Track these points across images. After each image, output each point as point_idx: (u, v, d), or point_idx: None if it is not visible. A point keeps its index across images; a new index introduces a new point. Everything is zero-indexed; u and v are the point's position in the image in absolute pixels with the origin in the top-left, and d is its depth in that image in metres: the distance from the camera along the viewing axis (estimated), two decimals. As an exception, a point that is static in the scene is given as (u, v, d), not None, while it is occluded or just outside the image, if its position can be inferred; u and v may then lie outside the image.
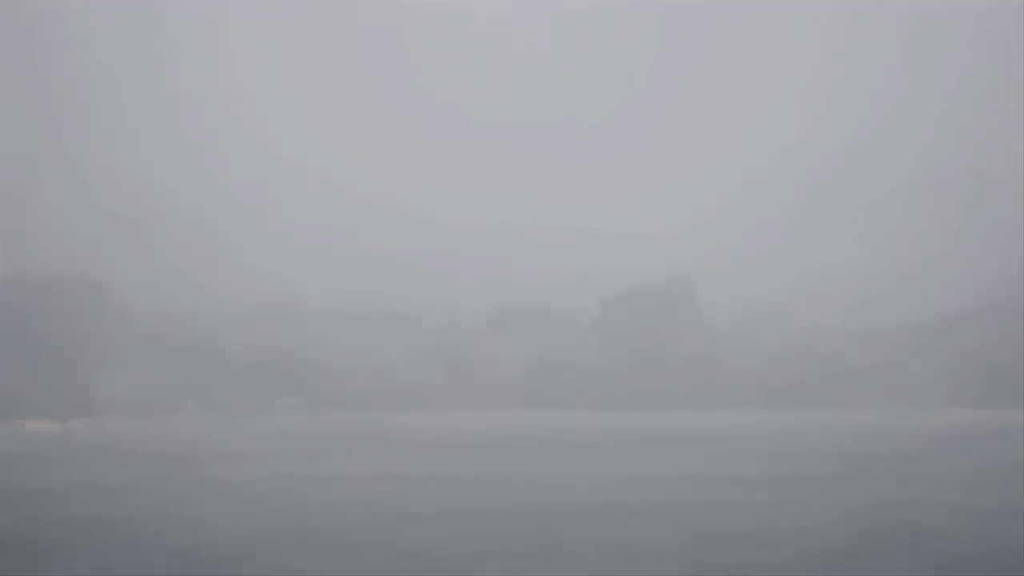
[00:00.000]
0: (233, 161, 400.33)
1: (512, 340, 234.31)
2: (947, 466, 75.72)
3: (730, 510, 50.42)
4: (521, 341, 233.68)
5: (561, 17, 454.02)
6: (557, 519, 47.64)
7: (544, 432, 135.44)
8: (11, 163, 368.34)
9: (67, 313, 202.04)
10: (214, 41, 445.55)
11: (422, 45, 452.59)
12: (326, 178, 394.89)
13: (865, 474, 70.59)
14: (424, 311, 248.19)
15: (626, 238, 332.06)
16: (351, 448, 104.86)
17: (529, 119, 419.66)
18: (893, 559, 37.37)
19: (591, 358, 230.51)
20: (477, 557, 37.83)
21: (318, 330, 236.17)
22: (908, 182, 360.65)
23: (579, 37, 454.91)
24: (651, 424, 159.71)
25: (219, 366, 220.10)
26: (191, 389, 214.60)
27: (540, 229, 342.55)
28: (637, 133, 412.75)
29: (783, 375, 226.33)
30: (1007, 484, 62.16)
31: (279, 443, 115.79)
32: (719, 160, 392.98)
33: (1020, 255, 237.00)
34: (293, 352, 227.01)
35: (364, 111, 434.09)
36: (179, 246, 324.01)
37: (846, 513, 49.39)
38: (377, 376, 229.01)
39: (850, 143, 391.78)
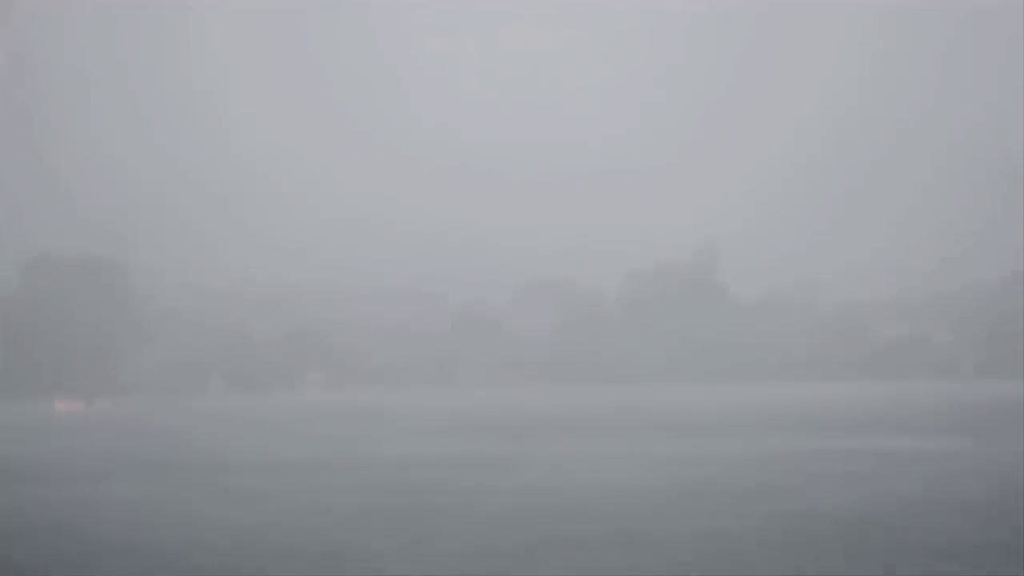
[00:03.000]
0: (255, 142, 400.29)
1: (538, 313, 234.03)
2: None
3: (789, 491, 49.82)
4: (547, 314, 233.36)
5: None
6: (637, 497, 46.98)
7: (576, 408, 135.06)
8: (33, 146, 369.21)
9: (91, 293, 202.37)
10: (235, 26, 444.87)
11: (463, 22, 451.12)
12: (350, 154, 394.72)
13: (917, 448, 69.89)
14: (449, 286, 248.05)
15: (651, 210, 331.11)
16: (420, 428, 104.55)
17: (561, 85, 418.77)
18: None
19: (617, 331, 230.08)
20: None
21: (342, 306, 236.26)
22: (941, 164, 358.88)
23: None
24: (688, 399, 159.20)
25: (244, 344, 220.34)
26: (216, 366, 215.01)
27: (566, 199, 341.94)
28: (669, 111, 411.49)
29: (810, 347, 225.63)
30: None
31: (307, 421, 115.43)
32: (751, 139, 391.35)
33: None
34: (318, 329, 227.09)
35: (393, 78, 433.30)
36: (203, 225, 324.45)
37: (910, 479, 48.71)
38: (403, 352, 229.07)
39: (884, 127, 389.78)
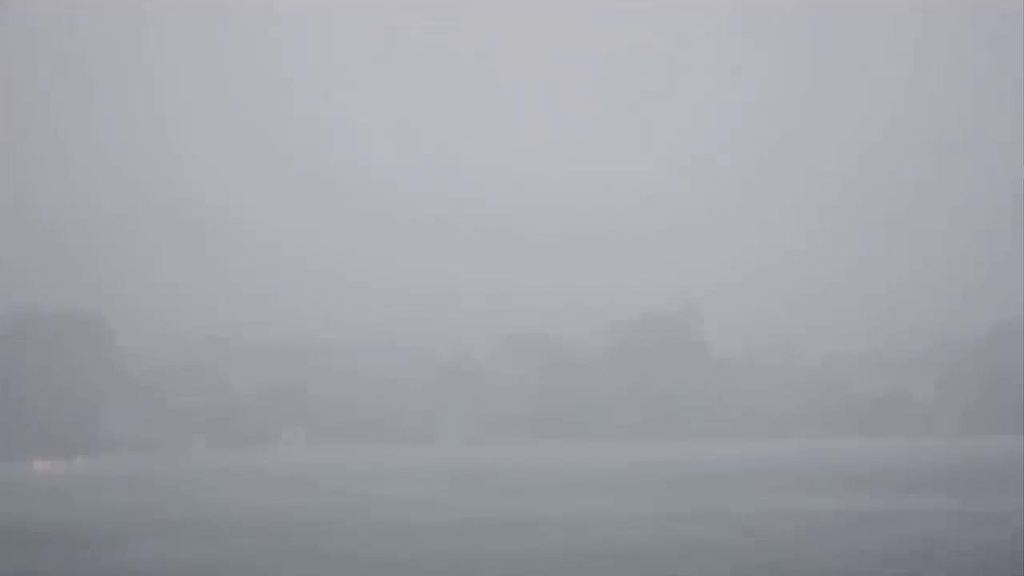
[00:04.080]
0: (240, 197, 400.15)
1: (521, 367, 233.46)
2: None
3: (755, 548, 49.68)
4: (530, 368, 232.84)
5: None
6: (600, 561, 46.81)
7: (562, 464, 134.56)
8: (13, 198, 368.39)
9: (71, 348, 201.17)
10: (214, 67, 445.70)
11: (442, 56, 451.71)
12: (335, 209, 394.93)
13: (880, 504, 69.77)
14: (433, 340, 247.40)
15: (635, 264, 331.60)
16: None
17: (542, 140, 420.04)
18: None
19: (599, 385, 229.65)
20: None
21: (322, 360, 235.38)
22: (918, 209, 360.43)
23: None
24: (665, 454, 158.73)
25: (227, 399, 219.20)
26: (199, 423, 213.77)
27: (550, 252, 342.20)
28: (650, 159, 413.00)
29: (791, 401, 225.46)
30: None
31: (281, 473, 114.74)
32: (729, 186, 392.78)
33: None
34: (302, 383, 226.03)
35: (373, 135, 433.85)
36: (184, 278, 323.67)
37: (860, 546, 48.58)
38: (384, 406, 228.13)
39: (862, 169, 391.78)
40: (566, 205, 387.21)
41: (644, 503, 72.69)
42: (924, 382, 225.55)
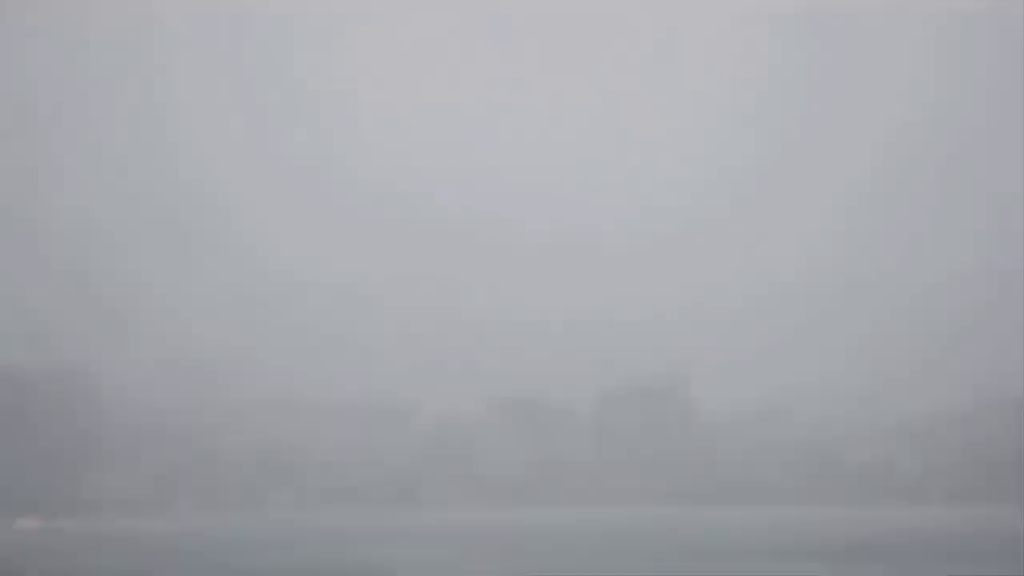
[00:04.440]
0: (220, 258, 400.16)
1: (508, 434, 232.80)
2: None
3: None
4: (517, 435, 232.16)
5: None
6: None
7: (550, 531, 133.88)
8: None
9: (56, 407, 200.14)
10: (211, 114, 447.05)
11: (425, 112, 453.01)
12: (316, 271, 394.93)
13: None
14: (419, 405, 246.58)
15: (623, 332, 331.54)
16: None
17: (527, 213, 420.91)
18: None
19: (588, 453, 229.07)
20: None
21: (311, 424, 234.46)
22: (907, 283, 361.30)
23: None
24: (653, 521, 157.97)
25: (212, 461, 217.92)
26: (183, 485, 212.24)
27: (536, 322, 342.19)
28: (631, 225, 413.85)
29: (780, 471, 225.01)
30: None
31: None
32: (716, 255, 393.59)
33: (1018, 357, 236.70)
34: (286, 446, 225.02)
35: (350, 209, 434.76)
36: (170, 339, 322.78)
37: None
38: (372, 470, 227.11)
39: (850, 242, 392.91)
40: (557, 264, 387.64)
41: (627, 570, 72.25)
42: (911, 453, 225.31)
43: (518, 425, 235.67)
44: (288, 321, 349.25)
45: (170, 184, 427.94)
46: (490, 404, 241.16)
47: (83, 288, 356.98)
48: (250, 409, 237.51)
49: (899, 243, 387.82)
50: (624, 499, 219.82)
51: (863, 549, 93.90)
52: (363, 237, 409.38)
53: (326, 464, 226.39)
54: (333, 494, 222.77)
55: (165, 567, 78.34)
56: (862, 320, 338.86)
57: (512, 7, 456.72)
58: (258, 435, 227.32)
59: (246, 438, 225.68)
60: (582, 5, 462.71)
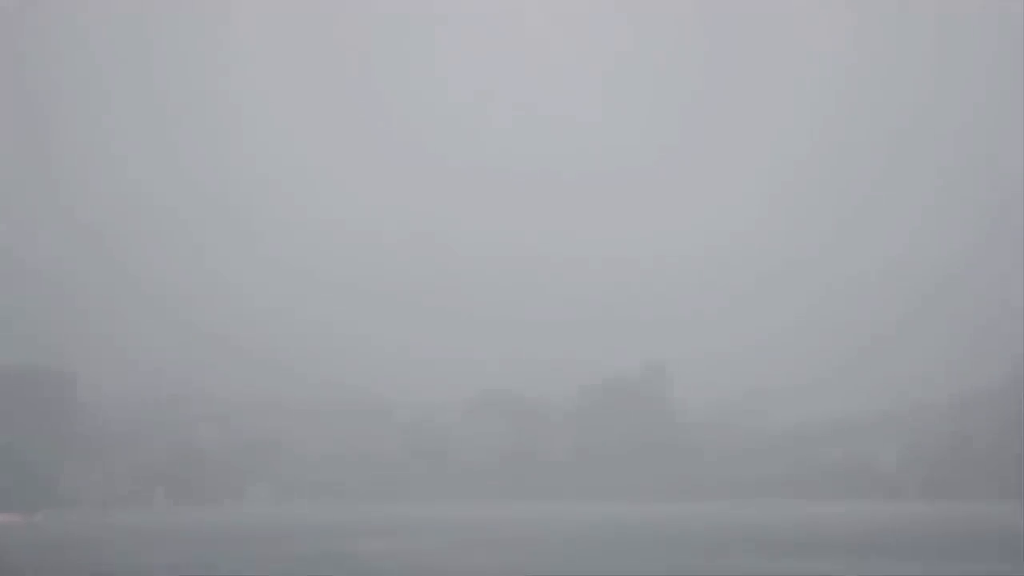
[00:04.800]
0: (209, 251, 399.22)
1: (487, 428, 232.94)
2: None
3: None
4: (496, 429, 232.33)
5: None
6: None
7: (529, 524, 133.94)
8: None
9: (35, 403, 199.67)
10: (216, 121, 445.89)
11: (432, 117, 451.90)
12: (294, 268, 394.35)
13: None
14: (398, 400, 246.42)
15: (604, 326, 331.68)
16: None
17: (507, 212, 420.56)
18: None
19: (566, 448, 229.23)
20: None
21: (289, 418, 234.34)
22: (884, 272, 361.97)
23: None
24: (634, 515, 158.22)
25: (189, 455, 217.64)
26: (160, 479, 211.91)
27: (517, 317, 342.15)
28: (619, 218, 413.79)
29: (757, 465, 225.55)
30: None
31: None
32: (696, 251, 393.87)
33: (1000, 349, 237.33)
34: (265, 440, 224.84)
35: (343, 211, 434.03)
36: (151, 335, 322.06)
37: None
38: (349, 465, 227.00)
39: (838, 231, 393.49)
40: (533, 256, 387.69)
41: (607, 565, 72.31)
42: (890, 448, 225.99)
43: (497, 419, 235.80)
44: (266, 317, 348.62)
45: (164, 180, 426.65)
46: (469, 398, 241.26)
47: (63, 284, 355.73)
48: (228, 404, 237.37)
49: (896, 240, 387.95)
50: (601, 493, 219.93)
51: (841, 543, 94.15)
52: (346, 236, 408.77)
53: (304, 458, 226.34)
54: (312, 488, 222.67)
55: (144, 562, 78.15)
56: (843, 313, 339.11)
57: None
58: (236, 430, 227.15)
59: (224, 433, 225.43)
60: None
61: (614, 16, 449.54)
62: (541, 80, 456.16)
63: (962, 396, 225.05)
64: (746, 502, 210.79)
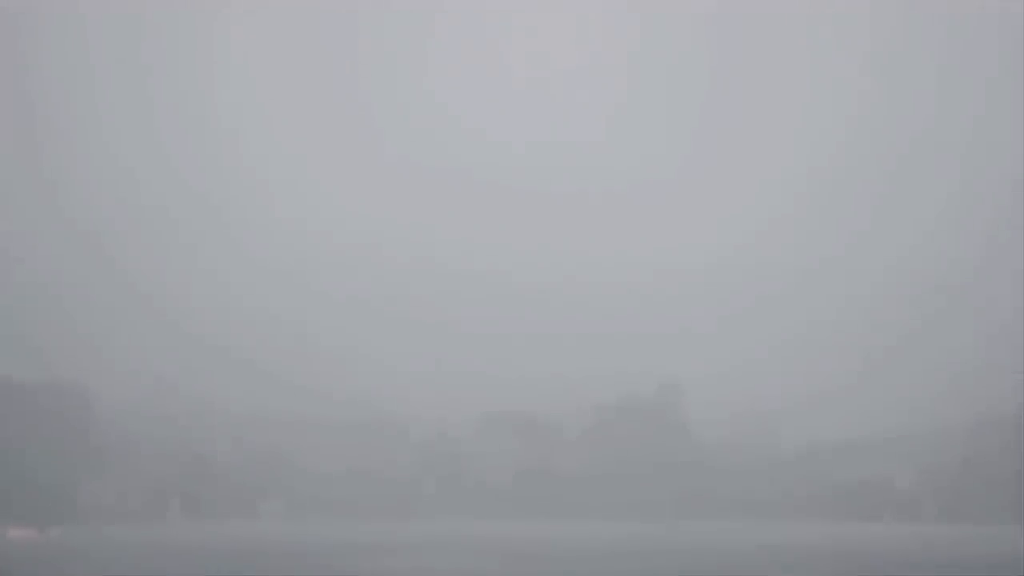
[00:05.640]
0: (222, 265, 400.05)
1: (501, 446, 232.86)
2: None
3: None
4: (510, 447, 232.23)
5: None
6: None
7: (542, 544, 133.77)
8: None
9: (50, 416, 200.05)
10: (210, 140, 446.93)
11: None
12: (312, 283, 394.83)
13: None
14: (411, 417, 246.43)
15: (617, 343, 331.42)
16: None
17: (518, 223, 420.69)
18: None
19: (579, 466, 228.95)
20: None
21: (303, 434, 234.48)
22: (896, 296, 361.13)
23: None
24: (643, 535, 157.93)
25: (203, 471, 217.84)
26: (174, 494, 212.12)
27: (530, 333, 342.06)
28: (631, 233, 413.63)
29: (771, 484, 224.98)
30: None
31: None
32: (710, 265, 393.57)
33: (1014, 371, 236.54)
34: (277, 457, 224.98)
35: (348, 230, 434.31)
36: (164, 349, 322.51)
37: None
38: (362, 482, 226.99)
39: (849, 254, 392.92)
40: (547, 272, 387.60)
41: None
42: (906, 469, 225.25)
43: (511, 437, 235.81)
44: (282, 333, 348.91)
45: (171, 191, 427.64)
46: (483, 416, 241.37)
47: (78, 297, 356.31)
48: (243, 420, 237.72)
49: (910, 252, 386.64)
50: (614, 514, 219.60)
51: (855, 564, 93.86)
52: (360, 252, 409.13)
53: (318, 475, 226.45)
54: (324, 505, 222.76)
55: (157, 576, 78.17)
56: (861, 331, 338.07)
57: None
58: (250, 446, 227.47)
59: (239, 449, 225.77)
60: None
61: (618, 28, 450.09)
62: (548, 92, 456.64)
63: (978, 416, 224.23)
64: (759, 521, 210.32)
